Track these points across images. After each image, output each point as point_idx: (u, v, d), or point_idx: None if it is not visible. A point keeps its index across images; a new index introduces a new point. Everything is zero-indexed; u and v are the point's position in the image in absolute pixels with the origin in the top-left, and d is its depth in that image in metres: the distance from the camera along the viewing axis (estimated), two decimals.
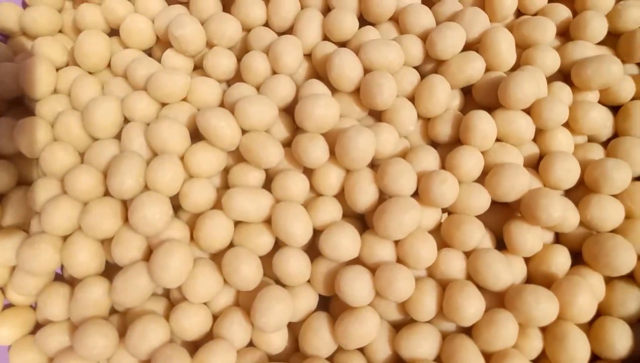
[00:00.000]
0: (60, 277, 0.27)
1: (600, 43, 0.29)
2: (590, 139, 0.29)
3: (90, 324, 0.23)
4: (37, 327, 0.26)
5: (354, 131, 0.24)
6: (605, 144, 0.28)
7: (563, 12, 0.30)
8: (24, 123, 0.26)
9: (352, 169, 0.26)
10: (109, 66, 0.30)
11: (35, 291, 0.25)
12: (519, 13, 0.31)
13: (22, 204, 0.27)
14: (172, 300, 0.26)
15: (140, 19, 0.30)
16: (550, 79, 0.29)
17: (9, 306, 0.27)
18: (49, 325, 0.25)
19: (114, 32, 0.31)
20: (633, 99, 0.28)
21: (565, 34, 0.30)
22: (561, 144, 0.27)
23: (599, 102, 0.29)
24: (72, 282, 0.26)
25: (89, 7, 0.30)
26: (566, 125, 0.27)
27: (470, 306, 0.22)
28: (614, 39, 0.30)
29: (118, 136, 0.27)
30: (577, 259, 0.26)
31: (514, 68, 0.28)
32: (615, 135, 0.29)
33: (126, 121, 0.27)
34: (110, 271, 0.25)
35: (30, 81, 0.27)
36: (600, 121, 0.27)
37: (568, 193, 0.27)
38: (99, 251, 0.25)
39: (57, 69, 0.29)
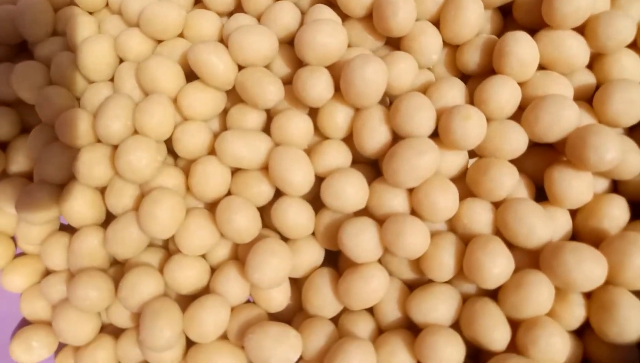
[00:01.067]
0: (68, 227, 0.27)
1: None
2: None
3: (83, 276, 0.22)
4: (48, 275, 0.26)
5: (360, 60, 0.21)
6: None
7: None
8: (21, 67, 0.25)
9: (361, 107, 0.22)
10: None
11: (39, 241, 0.25)
12: None
13: (27, 152, 0.26)
14: (170, 251, 0.24)
15: None
16: None
17: (21, 254, 0.27)
18: (52, 274, 0.25)
19: None
20: None
21: None
22: (624, 70, 0.22)
23: None
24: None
25: None
26: (632, 46, 0.22)
27: (494, 265, 0.19)
28: None
29: None
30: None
31: None
32: None
33: (122, 61, 0.25)
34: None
35: (27, 23, 0.26)
36: None
37: (632, 132, 0.22)
38: (97, 200, 0.24)
39: (57, 10, 0.27)
